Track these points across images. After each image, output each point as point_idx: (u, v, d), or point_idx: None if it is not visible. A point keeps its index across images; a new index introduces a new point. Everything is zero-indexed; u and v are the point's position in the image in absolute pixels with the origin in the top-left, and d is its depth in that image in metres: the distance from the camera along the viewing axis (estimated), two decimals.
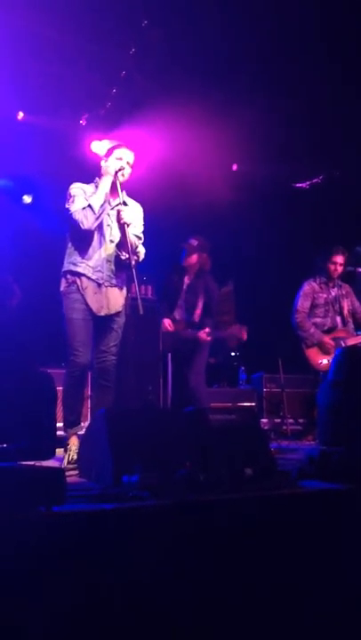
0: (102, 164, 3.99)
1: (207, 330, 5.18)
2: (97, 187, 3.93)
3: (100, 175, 3.98)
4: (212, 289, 5.42)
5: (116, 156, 3.96)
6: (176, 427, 2.97)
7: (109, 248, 3.90)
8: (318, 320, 5.66)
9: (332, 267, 5.68)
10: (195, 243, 5.36)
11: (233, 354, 8.17)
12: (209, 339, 5.19)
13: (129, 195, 4.05)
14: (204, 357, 5.33)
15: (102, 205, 3.83)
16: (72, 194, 3.87)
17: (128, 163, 3.97)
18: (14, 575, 1.92)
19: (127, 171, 3.96)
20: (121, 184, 3.90)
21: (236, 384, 6.91)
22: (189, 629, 2.13)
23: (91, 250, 3.85)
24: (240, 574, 2.27)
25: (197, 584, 2.18)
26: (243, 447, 2.91)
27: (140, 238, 3.98)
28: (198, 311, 5.32)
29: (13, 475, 2.14)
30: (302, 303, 5.68)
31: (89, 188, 3.94)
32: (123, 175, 3.93)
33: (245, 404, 6.49)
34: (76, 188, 3.89)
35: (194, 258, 5.36)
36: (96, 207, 3.80)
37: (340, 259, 5.68)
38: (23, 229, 6.77)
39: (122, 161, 3.94)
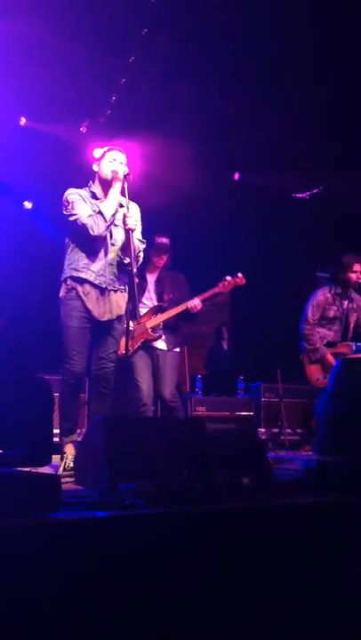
0: (95, 168, 3.99)
1: (195, 299, 4.72)
2: (92, 194, 3.93)
3: (94, 179, 3.98)
4: (182, 281, 5.00)
5: (108, 159, 3.94)
6: (173, 435, 2.96)
7: (112, 251, 3.89)
8: (322, 331, 5.51)
9: (353, 276, 5.46)
10: (167, 242, 4.93)
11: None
12: (200, 306, 4.72)
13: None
14: (173, 367, 4.87)
15: (113, 214, 3.83)
16: (70, 200, 3.85)
17: (122, 163, 3.94)
18: (9, 582, 1.90)
19: (124, 169, 3.89)
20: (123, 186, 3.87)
21: (235, 393, 6.89)
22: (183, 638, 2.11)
23: (93, 255, 3.84)
24: (236, 585, 2.25)
25: (193, 594, 2.16)
26: (240, 456, 2.89)
27: (143, 242, 3.99)
28: (166, 297, 4.87)
29: (9, 481, 2.12)
30: (313, 313, 5.49)
31: (83, 192, 3.94)
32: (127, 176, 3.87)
33: (243, 413, 6.48)
34: (74, 194, 3.88)
35: (165, 257, 4.94)
36: (108, 214, 3.80)
37: (359, 267, 5.49)
38: (24, 235, 6.77)
39: (115, 162, 3.92)
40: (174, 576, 2.15)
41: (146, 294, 4.86)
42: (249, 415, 6.47)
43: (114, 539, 2.11)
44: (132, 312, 3.89)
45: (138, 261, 3.92)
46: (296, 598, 2.31)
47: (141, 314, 4.73)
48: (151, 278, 4.94)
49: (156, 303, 4.84)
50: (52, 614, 1.93)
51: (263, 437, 6.06)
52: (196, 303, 4.73)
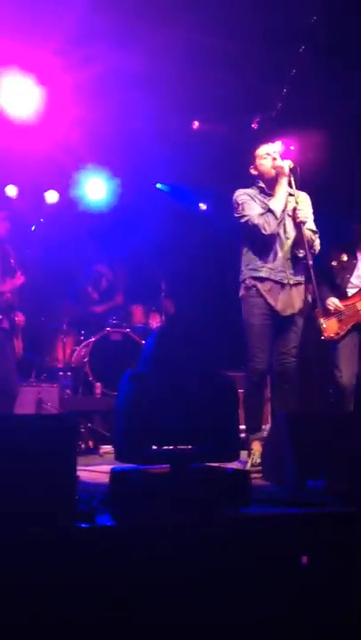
0: (253, 172, 3.98)
1: None
2: (261, 190, 3.93)
3: (259, 178, 3.97)
4: None
5: (262, 156, 3.93)
6: None
7: (287, 245, 3.88)
8: None
9: None
10: None
11: None
12: None
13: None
14: None
15: (284, 209, 3.83)
16: (240, 201, 3.90)
17: (277, 152, 3.91)
18: (204, 577, 1.98)
19: (288, 163, 3.86)
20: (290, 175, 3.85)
21: None
22: None
23: (269, 252, 3.85)
24: None
25: None
26: None
27: (315, 232, 3.94)
28: None
29: (203, 475, 2.22)
30: None
31: (252, 191, 3.96)
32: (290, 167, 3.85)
33: None
34: (243, 195, 3.92)
35: None
36: (278, 212, 3.82)
37: None
38: (202, 236, 6.96)
39: (270, 157, 3.90)
40: None
41: (356, 272, 4.45)
42: None
43: (306, 536, 2.12)
44: (312, 304, 3.85)
45: (313, 249, 3.87)
46: None
47: (349, 294, 4.40)
48: None
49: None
50: (243, 608, 1.98)
51: None
52: None
